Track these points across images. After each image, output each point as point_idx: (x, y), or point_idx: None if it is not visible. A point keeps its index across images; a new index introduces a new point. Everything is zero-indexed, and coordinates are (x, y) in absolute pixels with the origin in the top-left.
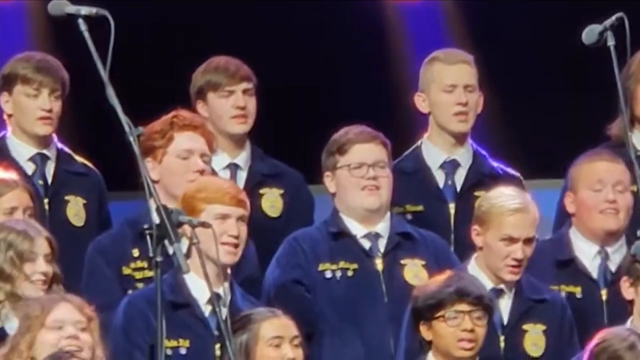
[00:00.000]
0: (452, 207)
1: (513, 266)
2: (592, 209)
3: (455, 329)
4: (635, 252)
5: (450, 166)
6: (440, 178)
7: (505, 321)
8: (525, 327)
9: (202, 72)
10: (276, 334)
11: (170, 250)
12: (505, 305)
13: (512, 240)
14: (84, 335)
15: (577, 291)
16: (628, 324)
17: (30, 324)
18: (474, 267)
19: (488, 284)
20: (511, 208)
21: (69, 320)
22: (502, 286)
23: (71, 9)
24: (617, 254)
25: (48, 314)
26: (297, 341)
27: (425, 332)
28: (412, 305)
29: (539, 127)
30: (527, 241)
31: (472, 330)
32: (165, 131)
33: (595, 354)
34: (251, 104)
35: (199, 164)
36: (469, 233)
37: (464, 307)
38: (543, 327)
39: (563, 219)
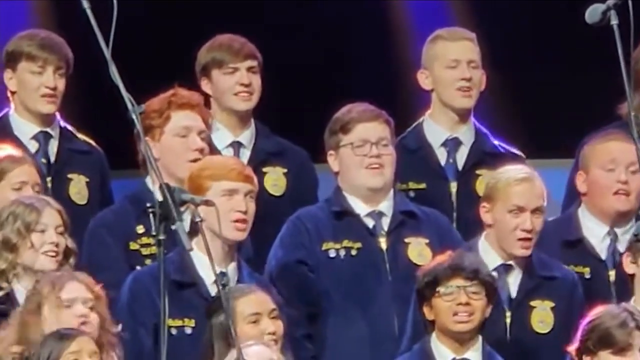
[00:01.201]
0: (453, 185)
1: (523, 239)
2: (604, 189)
3: (451, 304)
4: (638, 232)
5: (452, 144)
6: (442, 156)
7: (513, 296)
8: (532, 303)
9: (207, 49)
10: (254, 310)
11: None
12: (514, 281)
13: (520, 210)
14: (92, 315)
15: (586, 271)
16: (632, 302)
17: (40, 301)
18: (484, 244)
19: (497, 260)
20: (517, 178)
21: (79, 298)
22: (511, 262)
23: None
24: (626, 235)
25: (59, 292)
26: (275, 313)
27: (428, 312)
28: (416, 287)
29: (542, 106)
30: (536, 212)
31: (467, 304)
32: (162, 110)
33: (587, 331)
34: (255, 81)
35: (198, 142)
36: (471, 211)
37: (459, 281)
38: (551, 304)
39: (573, 198)
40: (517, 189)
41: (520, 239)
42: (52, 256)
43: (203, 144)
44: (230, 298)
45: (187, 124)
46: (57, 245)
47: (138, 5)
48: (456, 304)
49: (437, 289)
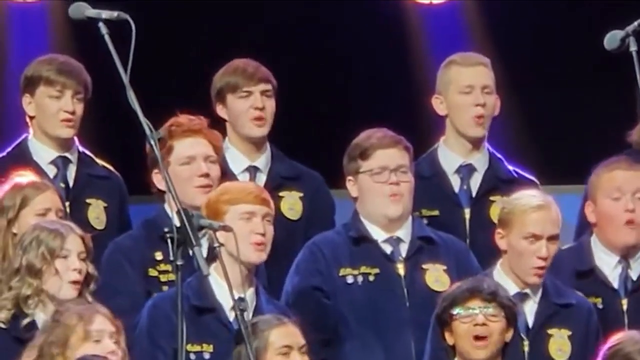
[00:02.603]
0: (467, 212)
1: (538, 268)
2: (611, 219)
3: (469, 325)
4: None
5: (466, 171)
6: (455, 183)
7: (530, 324)
8: (550, 331)
9: (221, 74)
10: (286, 342)
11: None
12: (530, 309)
13: (535, 237)
14: (118, 350)
15: (598, 301)
16: None
17: (67, 334)
18: (499, 272)
19: (513, 288)
20: (533, 205)
21: (106, 332)
22: (527, 290)
23: (92, 12)
24: (638, 263)
25: (88, 325)
26: (304, 349)
27: (448, 337)
28: (436, 312)
29: (559, 131)
30: (551, 239)
31: (484, 325)
32: (164, 142)
33: (607, 356)
34: (270, 105)
35: (203, 167)
36: (484, 238)
37: (476, 303)
38: (569, 332)
39: (584, 227)
40: (533, 216)
41: (534, 267)
42: (75, 283)
43: (209, 168)
44: (264, 327)
45: (190, 152)
46: (79, 272)
47: (157, 28)
48: (473, 325)
49: (456, 312)
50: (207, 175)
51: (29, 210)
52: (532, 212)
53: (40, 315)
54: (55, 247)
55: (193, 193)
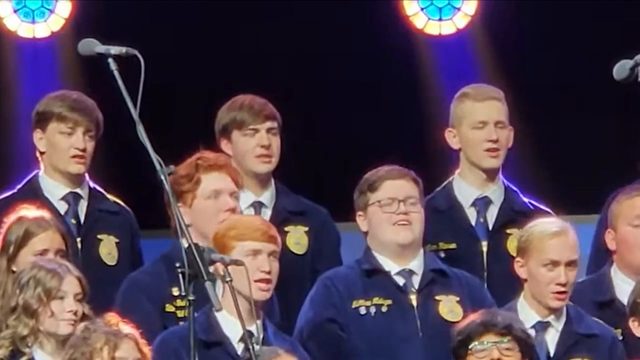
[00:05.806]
0: (484, 244)
1: (558, 292)
2: (632, 246)
3: None
4: None
5: (482, 203)
6: (472, 215)
7: (552, 354)
8: None
9: (227, 109)
10: None
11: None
12: (552, 338)
13: (554, 264)
14: None
15: (618, 332)
16: None
17: (93, 354)
18: (522, 302)
19: (535, 317)
20: (551, 232)
21: (130, 358)
22: (549, 319)
23: (101, 48)
24: None
25: (113, 351)
26: None
27: None
28: (451, 346)
29: (572, 161)
30: (570, 265)
31: (499, 359)
32: (191, 175)
33: None
34: (275, 143)
35: (229, 202)
36: (502, 271)
37: (491, 337)
38: None
39: (599, 256)
40: (551, 242)
41: (555, 292)
42: (71, 323)
43: (234, 204)
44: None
45: (218, 186)
46: (75, 313)
47: (167, 62)
48: None
49: (470, 346)
50: (233, 210)
51: (27, 250)
52: (549, 239)
53: (39, 352)
54: (52, 288)
55: (216, 227)
